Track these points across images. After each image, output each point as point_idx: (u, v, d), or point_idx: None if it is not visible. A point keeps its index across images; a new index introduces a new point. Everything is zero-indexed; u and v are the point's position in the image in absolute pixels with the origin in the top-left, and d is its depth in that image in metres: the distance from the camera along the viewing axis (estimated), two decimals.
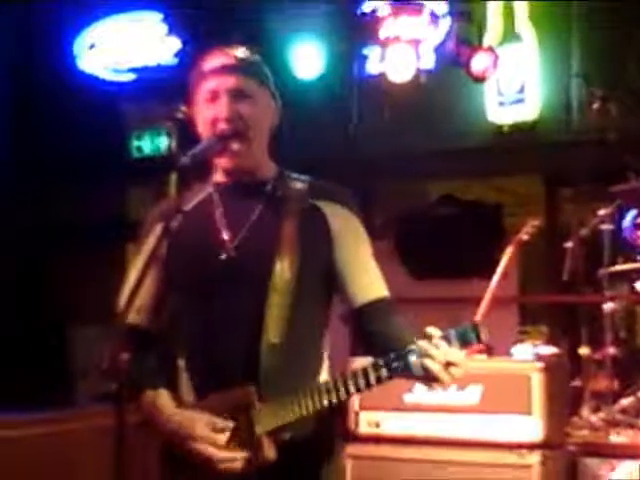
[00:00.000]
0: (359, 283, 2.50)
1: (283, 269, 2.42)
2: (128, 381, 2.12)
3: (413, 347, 2.26)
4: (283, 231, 2.46)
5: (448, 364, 2.24)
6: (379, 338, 2.43)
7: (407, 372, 2.28)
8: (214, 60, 2.52)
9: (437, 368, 2.24)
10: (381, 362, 2.29)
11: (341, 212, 2.53)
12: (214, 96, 2.48)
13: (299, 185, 2.57)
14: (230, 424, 2.39)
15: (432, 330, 2.26)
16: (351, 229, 2.53)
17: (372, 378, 2.30)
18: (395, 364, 2.28)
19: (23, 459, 4.16)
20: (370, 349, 2.45)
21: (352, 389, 2.33)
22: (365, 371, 2.31)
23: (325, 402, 2.33)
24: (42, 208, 7.85)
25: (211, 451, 2.37)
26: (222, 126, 2.46)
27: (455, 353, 2.24)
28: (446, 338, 2.24)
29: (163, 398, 2.45)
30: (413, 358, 2.25)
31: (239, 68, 2.50)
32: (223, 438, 2.38)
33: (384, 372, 2.29)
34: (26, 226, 7.71)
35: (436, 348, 2.24)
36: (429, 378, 2.28)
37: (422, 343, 2.25)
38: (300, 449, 2.41)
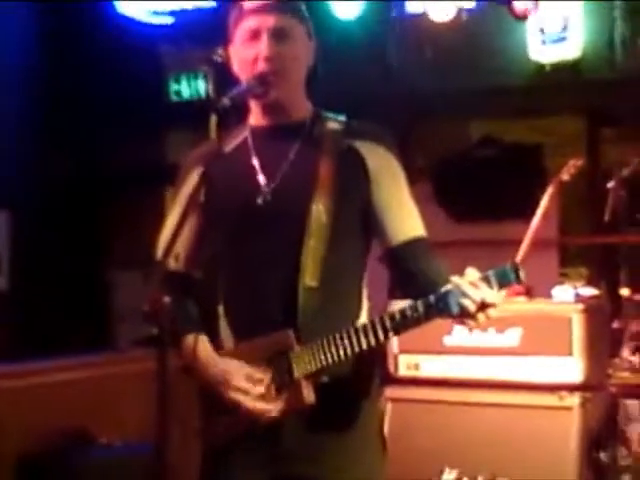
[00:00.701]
0: (397, 222, 2.49)
1: (319, 211, 2.42)
2: (169, 325, 2.13)
3: (450, 287, 2.26)
4: (320, 172, 2.45)
5: (484, 304, 2.23)
6: (417, 277, 2.43)
7: (445, 312, 2.28)
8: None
9: (474, 308, 2.23)
10: (419, 303, 2.29)
11: (378, 151, 2.51)
12: (254, 35, 2.46)
13: (335, 125, 2.55)
14: (267, 375, 2.40)
15: (471, 271, 2.26)
16: (388, 168, 2.51)
17: (410, 320, 2.30)
18: (433, 305, 2.28)
19: (65, 404, 4.22)
20: (407, 290, 2.45)
21: (391, 331, 2.33)
22: (403, 313, 2.31)
23: (364, 344, 2.34)
24: (80, 153, 7.87)
25: (247, 402, 2.40)
26: (262, 65, 2.45)
27: (492, 294, 2.23)
28: (485, 279, 2.23)
29: (203, 344, 2.47)
30: (451, 298, 2.25)
31: (279, 6, 2.48)
32: (260, 389, 2.40)
33: (422, 313, 2.29)
34: (64, 171, 7.75)
35: (474, 288, 2.22)
36: (465, 317, 2.28)
37: (460, 282, 2.24)
38: (338, 391, 2.42)
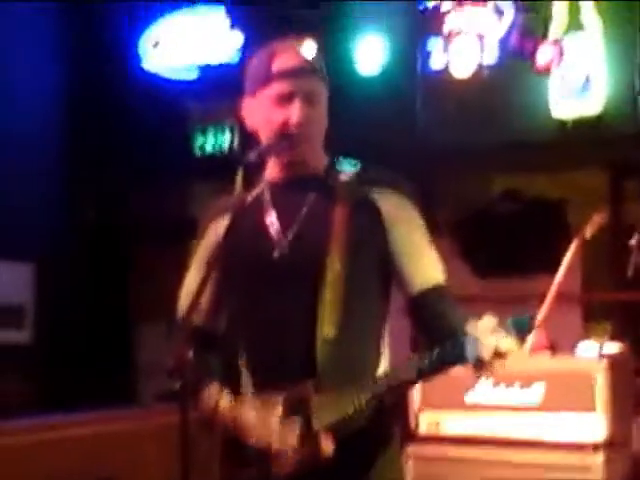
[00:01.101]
0: (416, 270, 2.47)
1: (334, 262, 2.41)
2: (192, 379, 2.14)
3: (466, 335, 2.25)
4: (334, 223, 2.45)
5: (499, 352, 2.22)
6: (437, 325, 2.41)
7: (461, 360, 2.27)
8: (285, 59, 2.48)
9: (488, 356, 2.22)
10: (435, 352, 2.29)
11: (393, 197, 2.49)
12: (286, 99, 2.46)
13: (350, 174, 2.55)
14: (281, 414, 2.40)
15: (487, 318, 2.25)
16: (404, 215, 2.50)
17: (427, 369, 2.30)
18: (449, 353, 2.27)
19: (90, 458, 4.22)
20: (429, 338, 2.42)
21: (408, 381, 2.33)
22: (419, 364, 2.30)
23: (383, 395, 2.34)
24: (106, 207, 7.94)
25: (264, 443, 2.39)
26: (293, 130, 2.45)
27: (507, 341, 2.22)
28: (502, 326, 2.23)
29: (225, 396, 2.48)
30: (467, 346, 2.24)
31: (312, 70, 2.49)
32: (275, 429, 2.39)
33: (438, 361, 2.29)
34: (90, 225, 7.80)
35: (489, 335, 2.22)
36: (480, 366, 2.26)
37: (475, 330, 2.23)
38: (356, 443, 2.40)
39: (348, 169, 2.57)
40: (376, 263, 2.49)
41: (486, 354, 2.23)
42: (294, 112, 2.45)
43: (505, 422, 4.49)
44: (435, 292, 2.47)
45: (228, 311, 2.56)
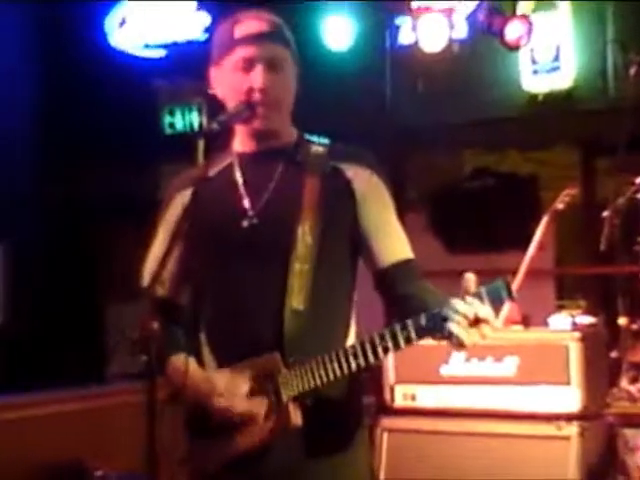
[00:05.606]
0: (384, 245, 2.47)
1: (305, 234, 2.40)
2: (158, 351, 2.09)
3: (442, 305, 2.20)
4: (305, 195, 2.44)
5: (479, 321, 2.17)
6: (409, 299, 2.38)
7: (437, 331, 2.22)
8: (247, 26, 2.47)
9: (466, 324, 2.17)
10: (409, 322, 2.25)
11: (364, 173, 2.49)
12: (249, 65, 2.44)
13: (319, 148, 2.54)
14: (250, 381, 2.38)
15: (469, 276, 2.20)
16: (375, 191, 2.50)
17: (401, 339, 2.26)
18: (424, 323, 2.23)
19: (58, 436, 4.18)
20: (401, 312, 2.38)
21: (380, 352, 2.29)
22: (393, 332, 2.26)
23: (353, 366, 2.31)
24: (75, 186, 7.87)
25: (231, 405, 2.37)
26: (257, 96, 2.43)
27: (485, 309, 2.16)
28: (477, 295, 2.17)
29: (193, 364, 2.45)
30: (444, 316, 2.19)
31: (272, 35, 2.47)
32: (244, 393, 2.37)
33: (413, 332, 2.24)
34: (59, 205, 7.74)
35: (468, 305, 2.17)
36: (459, 337, 2.20)
37: (451, 299, 2.19)
38: (324, 415, 2.39)
39: (318, 143, 2.55)
40: (346, 235, 2.48)
41: (463, 322, 2.17)
42: (257, 77, 2.43)
43: (480, 394, 4.48)
44: (405, 265, 2.46)
45: (193, 282, 2.52)
